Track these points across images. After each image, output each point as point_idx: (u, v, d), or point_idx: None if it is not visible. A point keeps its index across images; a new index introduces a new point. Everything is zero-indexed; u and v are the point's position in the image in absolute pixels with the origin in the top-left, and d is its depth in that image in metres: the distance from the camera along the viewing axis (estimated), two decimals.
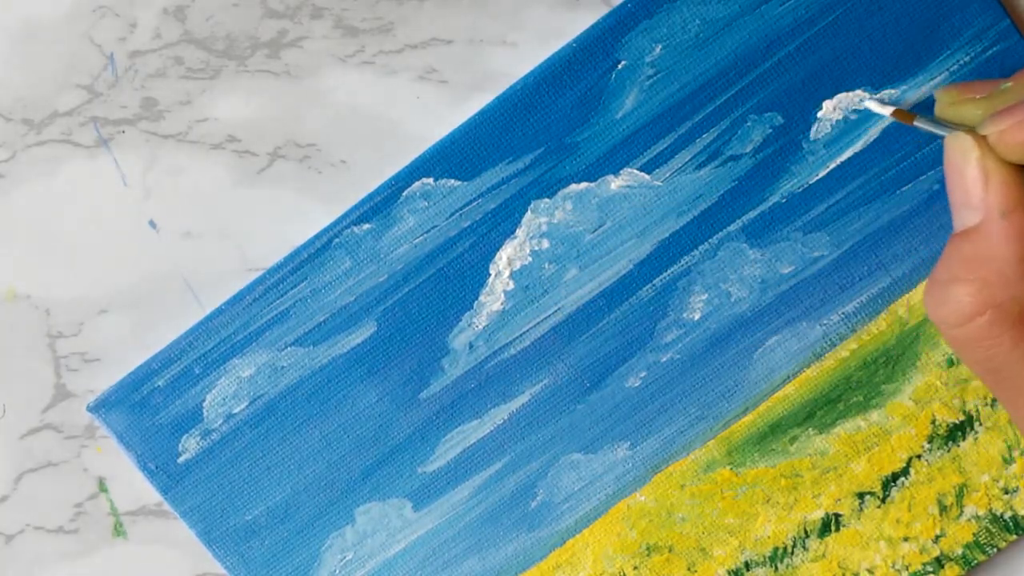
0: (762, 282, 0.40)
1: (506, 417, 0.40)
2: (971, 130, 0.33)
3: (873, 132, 0.40)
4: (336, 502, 0.40)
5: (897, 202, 0.40)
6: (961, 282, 0.32)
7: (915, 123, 0.36)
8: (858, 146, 0.40)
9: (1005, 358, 0.32)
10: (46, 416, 0.41)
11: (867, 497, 0.40)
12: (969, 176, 0.32)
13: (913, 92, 0.40)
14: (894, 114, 0.37)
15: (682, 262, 0.40)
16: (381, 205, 0.39)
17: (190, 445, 0.40)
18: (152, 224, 0.41)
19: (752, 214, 0.40)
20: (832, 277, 0.40)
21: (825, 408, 0.40)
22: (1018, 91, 0.33)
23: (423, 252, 0.40)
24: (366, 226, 0.40)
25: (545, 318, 0.40)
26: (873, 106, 0.38)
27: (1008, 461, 0.40)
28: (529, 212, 0.40)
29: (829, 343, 0.40)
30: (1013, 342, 0.31)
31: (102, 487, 0.41)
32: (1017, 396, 0.32)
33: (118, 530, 0.41)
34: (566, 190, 0.40)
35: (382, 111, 0.40)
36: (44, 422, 0.41)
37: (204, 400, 0.40)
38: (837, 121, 0.40)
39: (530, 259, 0.40)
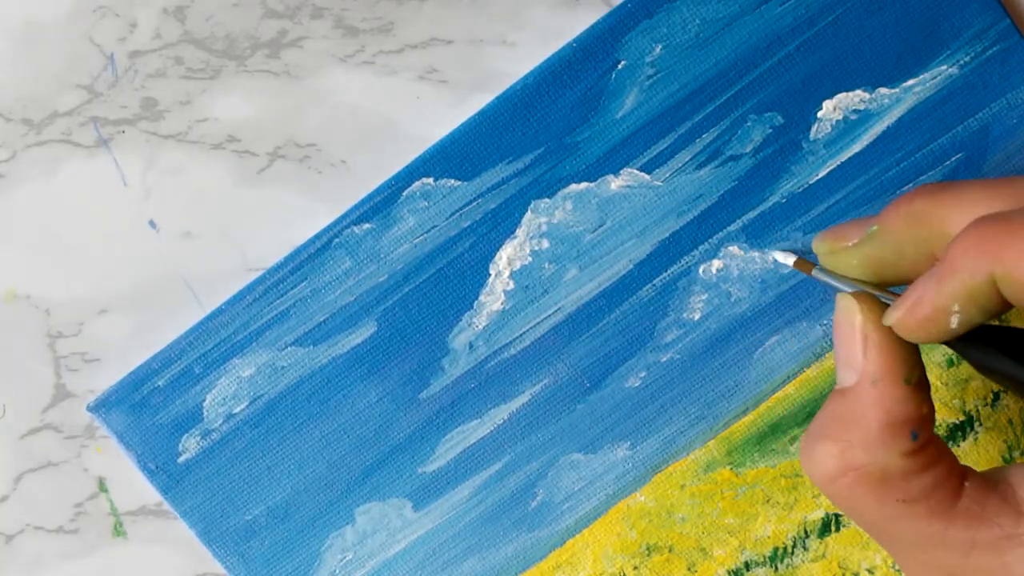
0: (762, 282, 0.40)
1: (506, 417, 0.40)
2: (859, 292, 0.33)
3: (873, 132, 0.40)
4: (336, 502, 0.40)
5: None
6: (829, 440, 0.32)
7: (813, 274, 0.36)
8: (858, 146, 0.40)
9: (872, 516, 0.32)
10: (46, 416, 0.41)
11: None
12: (850, 338, 0.33)
13: (912, 93, 0.40)
14: (796, 264, 0.37)
15: (682, 262, 0.40)
16: (381, 205, 0.39)
17: (190, 445, 0.40)
18: (152, 224, 0.41)
19: (752, 214, 0.40)
20: None
21: None
22: (886, 233, 0.33)
23: (423, 252, 0.40)
24: (366, 226, 0.40)
25: (545, 318, 0.40)
26: (779, 256, 0.38)
27: (1008, 461, 0.40)
28: (529, 212, 0.40)
29: (829, 343, 0.40)
30: (877, 503, 0.32)
31: (102, 487, 0.41)
32: (891, 547, 0.32)
33: (118, 530, 0.41)
34: (566, 190, 0.40)
35: (382, 111, 0.40)
36: (44, 422, 0.41)
37: (204, 400, 0.40)
38: (837, 121, 0.40)
39: (530, 259, 0.40)
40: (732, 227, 0.40)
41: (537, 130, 0.39)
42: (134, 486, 0.41)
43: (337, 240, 0.39)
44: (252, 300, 0.40)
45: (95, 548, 0.41)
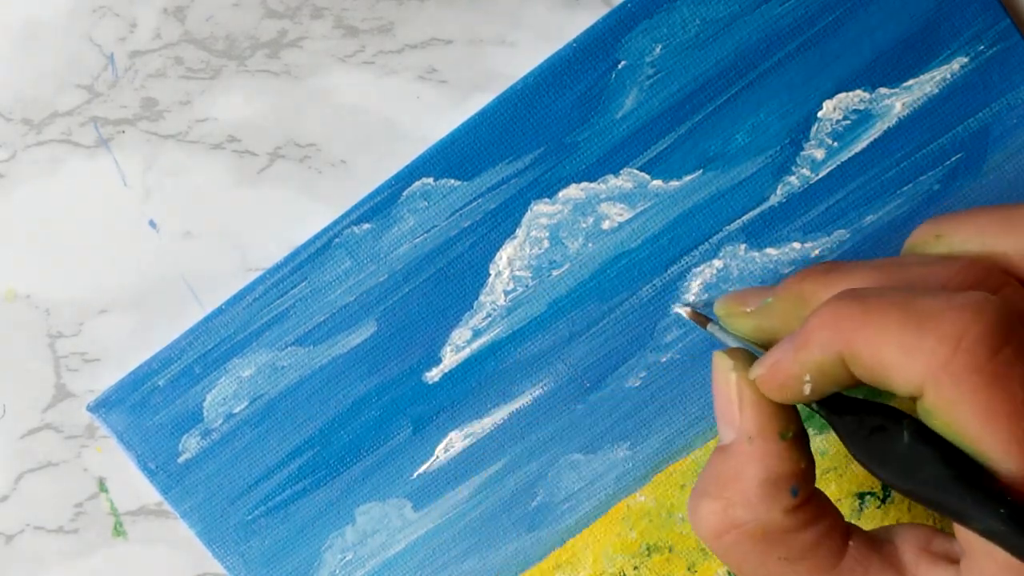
0: (762, 282, 0.40)
1: (506, 417, 0.40)
2: (733, 348, 0.34)
3: (873, 132, 0.40)
4: (336, 502, 0.40)
5: (897, 202, 0.40)
6: (711, 497, 0.33)
7: (708, 328, 0.37)
8: (858, 146, 0.40)
9: (756, 573, 0.32)
10: (46, 416, 0.41)
11: (867, 497, 0.40)
12: (726, 394, 0.33)
13: (912, 93, 0.40)
14: (691, 315, 0.39)
15: (682, 262, 0.40)
16: (381, 205, 0.39)
17: (190, 445, 0.40)
18: (152, 224, 0.41)
19: (752, 214, 0.40)
20: None
21: None
22: (777, 307, 0.34)
23: (423, 252, 0.40)
24: (366, 226, 0.40)
25: (545, 318, 0.40)
26: (678, 309, 0.39)
27: None
28: (529, 212, 0.40)
29: None
30: (760, 560, 0.32)
31: (102, 487, 0.41)
32: None
33: (118, 530, 0.41)
34: (566, 190, 0.40)
35: (382, 111, 0.40)
36: (44, 422, 0.41)
37: (204, 400, 0.40)
38: (837, 121, 0.40)
39: (530, 259, 0.40)
40: (732, 227, 0.40)
41: (537, 130, 0.39)
42: (134, 486, 0.41)
43: (337, 240, 0.39)
44: (252, 300, 0.40)
45: (95, 548, 0.41)
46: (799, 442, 0.33)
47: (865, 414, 0.31)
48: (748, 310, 0.35)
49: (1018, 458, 0.28)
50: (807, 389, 0.31)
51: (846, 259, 0.40)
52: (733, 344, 0.35)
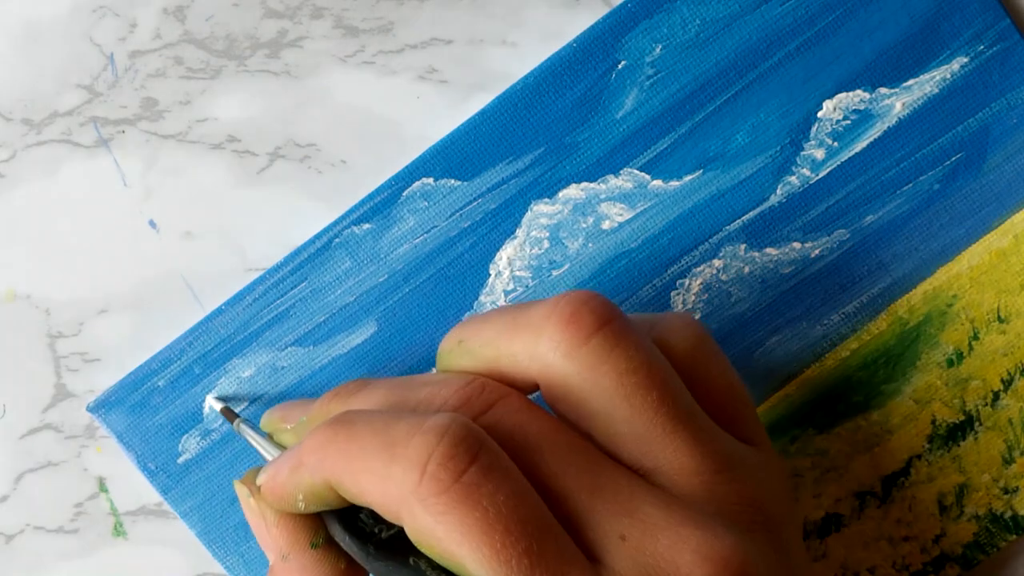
0: (762, 282, 0.40)
1: None
2: (248, 472, 0.35)
3: (873, 132, 0.40)
4: None
5: (897, 202, 0.40)
6: None
7: (234, 426, 0.38)
8: (858, 146, 0.40)
9: None
10: (46, 416, 0.41)
11: (867, 497, 0.40)
12: (254, 520, 0.34)
13: (912, 93, 0.40)
14: (223, 411, 0.39)
15: (682, 262, 0.40)
16: (381, 205, 0.39)
17: (190, 445, 0.40)
18: (152, 224, 0.41)
19: (752, 214, 0.40)
20: (832, 277, 0.40)
21: (825, 408, 0.40)
22: (310, 426, 0.35)
23: (423, 252, 0.40)
24: (366, 226, 0.40)
25: None
26: (211, 401, 0.40)
27: (1008, 461, 0.40)
28: (529, 212, 0.40)
29: (829, 343, 0.40)
30: None
31: (102, 487, 0.41)
32: None
33: (118, 530, 0.41)
34: (566, 190, 0.40)
35: (382, 111, 0.40)
36: (44, 422, 0.41)
37: (204, 400, 0.40)
38: (837, 121, 0.40)
39: (530, 259, 0.40)
40: (732, 227, 0.40)
41: (537, 130, 0.39)
42: (134, 486, 0.41)
43: (337, 240, 0.39)
44: (252, 300, 0.40)
45: (95, 548, 0.41)
46: (330, 548, 0.33)
47: (371, 535, 0.32)
48: (288, 427, 0.36)
49: (496, 571, 0.28)
50: (301, 506, 0.32)
51: (843, 261, 0.40)
52: (259, 447, 0.36)
